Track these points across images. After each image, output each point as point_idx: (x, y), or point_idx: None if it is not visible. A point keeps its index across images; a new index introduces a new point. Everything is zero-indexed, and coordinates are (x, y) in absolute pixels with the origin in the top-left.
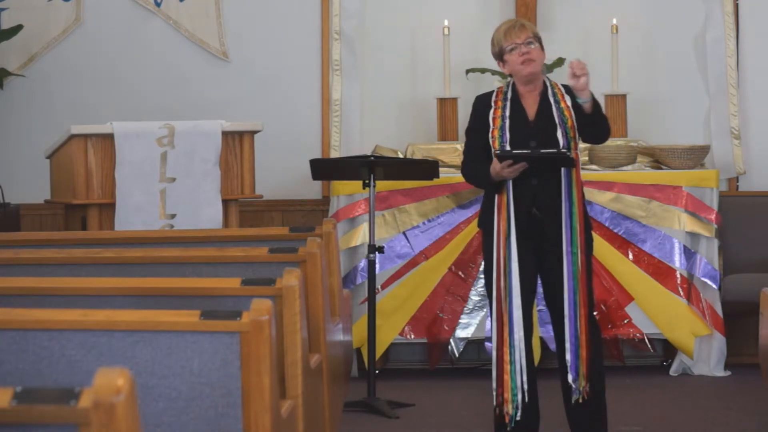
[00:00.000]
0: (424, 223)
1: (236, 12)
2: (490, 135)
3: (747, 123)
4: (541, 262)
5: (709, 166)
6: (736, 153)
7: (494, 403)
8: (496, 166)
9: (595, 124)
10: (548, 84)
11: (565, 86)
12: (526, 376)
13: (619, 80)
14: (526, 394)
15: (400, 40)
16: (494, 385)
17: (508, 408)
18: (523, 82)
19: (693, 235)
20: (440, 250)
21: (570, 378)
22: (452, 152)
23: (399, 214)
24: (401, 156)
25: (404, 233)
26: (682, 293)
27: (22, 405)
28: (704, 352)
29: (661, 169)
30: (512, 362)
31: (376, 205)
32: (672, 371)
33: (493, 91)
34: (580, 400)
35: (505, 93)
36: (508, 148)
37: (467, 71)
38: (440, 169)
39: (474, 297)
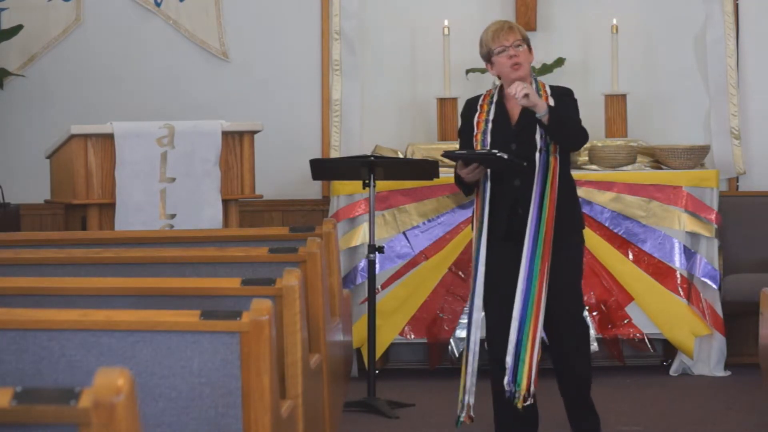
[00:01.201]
0: (424, 223)
1: (236, 12)
2: (473, 139)
3: (747, 123)
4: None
5: (709, 166)
6: (736, 153)
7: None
8: (457, 168)
9: (555, 134)
10: (536, 86)
11: (552, 87)
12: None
13: (619, 80)
14: (471, 397)
15: (400, 40)
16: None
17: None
18: (513, 80)
19: (693, 235)
20: (440, 250)
21: (505, 381)
22: None
23: (399, 214)
24: (401, 156)
25: (404, 233)
26: (682, 293)
27: (22, 405)
28: (704, 352)
29: (661, 169)
30: (467, 364)
31: (376, 205)
32: (672, 371)
33: (481, 95)
34: (519, 405)
35: (492, 96)
36: (483, 151)
37: (467, 71)
38: (440, 169)
39: None
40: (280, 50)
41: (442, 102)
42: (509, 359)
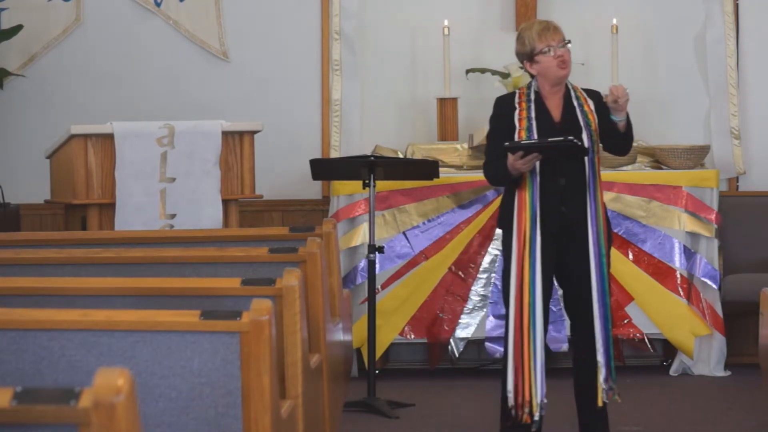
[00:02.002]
0: (424, 223)
1: (236, 12)
2: (516, 135)
3: (747, 123)
4: (564, 262)
5: (709, 166)
6: (736, 153)
7: (511, 404)
8: (510, 160)
9: (624, 139)
10: (570, 87)
11: (586, 90)
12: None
13: (619, 80)
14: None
15: (400, 40)
16: (510, 387)
17: (532, 409)
18: (552, 84)
19: (693, 235)
20: (440, 250)
21: (601, 378)
22: (452, 152)
23: (399, 214)
24: (401, 156)
25: (404, 233)
26: (682, 293)
27: (22, 405)
28: (704, 352)
29: (661, 169)
30: (534, 362)
31: (376, 205)
32: (672, 371)
33: (514, 93)
34: (607, 400)
35: (528, 95)
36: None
37: (467, 71)
38: (440, 169)
39: (474, 297)
40: (280, 50)
41: (442, 102)
42: (601, 358)
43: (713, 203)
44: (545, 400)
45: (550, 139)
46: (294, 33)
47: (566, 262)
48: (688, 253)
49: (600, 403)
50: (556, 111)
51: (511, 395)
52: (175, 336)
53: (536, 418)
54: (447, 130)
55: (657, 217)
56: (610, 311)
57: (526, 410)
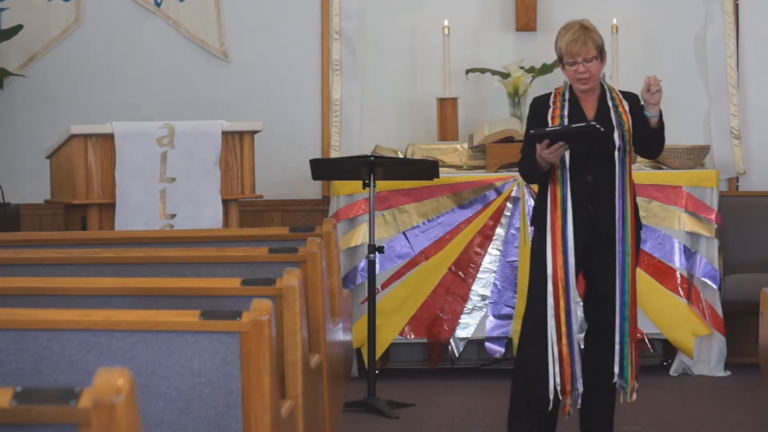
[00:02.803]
0: (424, 223)
1: (236, 12)
2: None
3: (747, 123)
4: (590, 260)
5: (709, 166)
6: (736, 153)
7: (552, 396)
8: (537, 150)
9: (656, 138)
10: (606, 88)
11: (623, 92)
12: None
13: (619, 80)
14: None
15: (400, 40)
16: (557, 380)
17: (568, 400)
18: (578, 90)
19: (693, 235)
20: (440, 250)
21: (615, 375)
22: (452, 152)
23: (399, 214)
24: (401, 156)
25: (404, 233)
26: (682, 293)
27: (22, 405)
28: (704, 352)
29: (661, 169)
30: (572, 355)
31: (376, 205)
32: (672, 371)
33: (551, 93)
34: (628, 399)
35: (563, 94)
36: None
37: (467, 71)
38: (440, 169)
39: (474, 297)
40: (280, 50)
41: (442, 102)
42: (617, 357)
43: (713, 203)
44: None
45: (573, 125)
46: (294, 33)
47: (592, 260)
48: (688, 253)
49: (628, 400)
50: (590, 111)
51: (558, 388)
52: (175, 336)
53: (578, 406)
54: (447, 130)
55: (657, 217)
56: (629, 312)
57: (569, 400)
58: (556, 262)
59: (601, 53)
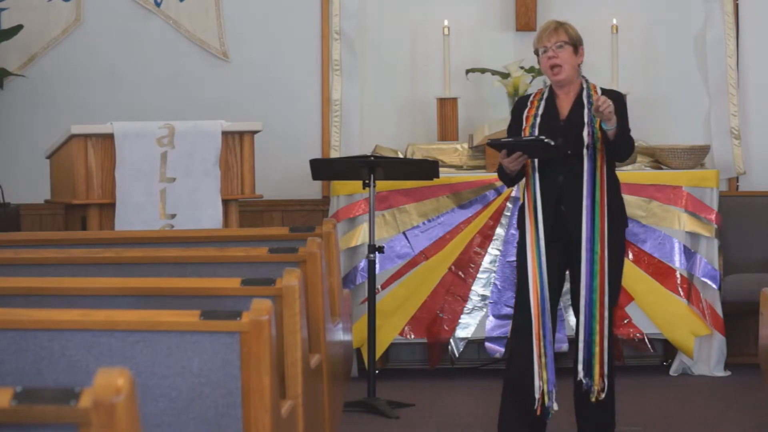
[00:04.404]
0: (424, 223)
1: (236, 12)
2: (522, 133)
3: (747, 123)
4: (569, 260)
5: (709, 166)
6: (736, 153)
7: (538, 395)
8: (500, 157)
9: (616, 148)
10: (585, 85)
11: (605, 90)
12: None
13: (619, 80)
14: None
15: (400, 40)
16: (537, 382)
17: (545, 400)
18: (556, 86)
19: (693, 235)
20: (440, 250)
21: (580, 374)
22: (452, 152)
23: (399, 214)
24: (401, 156)
25: (404, 233)
26: (682, 293)
27: (22, 405)
28: (704, 352)
29: (661, 169)
30: (547, 356)
31: (376, 205)
32: (672, 371)
33: (533, 93)
34: (593, 400)
35: (543, 93)
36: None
37: (467, 71)
38: (440, 169)
39: (474, 297)
40: (280, 50)
41: (442, 102)
42: (581, 355)
43: (713, 203)
44: (553, 390)
45: (523, 138)
46: (294, 33)
47: (571, 260)
48: (688, 253)
49: (593, 399)
50: (564, 109)
51: (538, 388)
52: (175, 336)
53: (549, 405)
54: (447, 130)
55: (657, 217)
56: (597, 312)
57: (547, 401)
58: (533, 263)
59: (574, 44)
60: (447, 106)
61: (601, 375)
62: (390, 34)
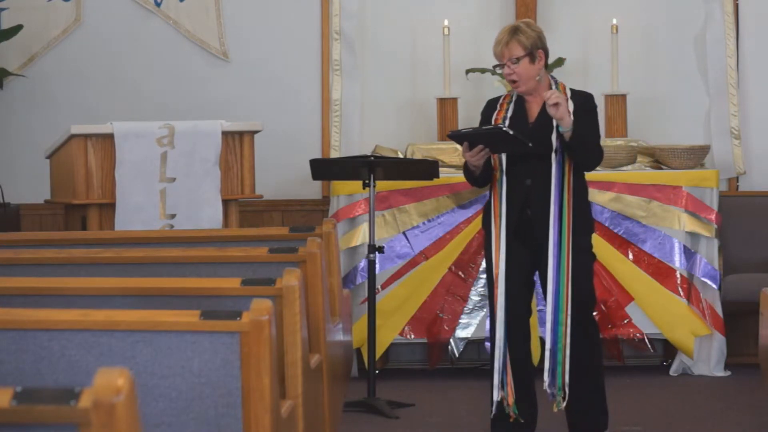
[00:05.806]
0: (424, 223)
1: (236, 12)
2: None
3: (747, 123)
4: (538, 263)
5: (709, 166)
6: (736, 153)
7: (496, 399)
8: (461, 152)
9: (574, 154)
10: (554, 86)
11: (575, 91)
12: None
13: (619, 80)
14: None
15: (400, 40)
16: (495, 382)
17: (510, 401)
18: (519, 92)
19: (693, 235)
20: (440, 250)
21: (546, 383)
22: (452, 152)
23: (399, 214)
24: (401, 156)
25: (404, 233)
26: (682, 293)
27: (22, 405)
28: (704, 352)
29: (661, 169)
30: (502, 360)
31: (376, 205)
32: (672, 371)
33: (503, 95)
34: (555, 409)
35: (512, 95)
36: (489, 126)
37: (467, 71)
38: (440, 169)
39: (474, 297)
40: (280, 50)
41: (442, 102)
42: (547, 363)
43: (713, 203)
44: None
45: (483, 127)
46: (294, 33)
47: (538, 263)
48: (688, 253)
49: (554, 409)
50: (533, 112)
51: (496, 392)
52: (175, 336)
53: (513, 411)
54: (447, 130)
55: (657, 217)
56: (563, 318)
57: (508, 403)
58: (497, 265)
59: (530, 53)
60: (447, 106)
61: (564, 383)
62: (390, 34)
